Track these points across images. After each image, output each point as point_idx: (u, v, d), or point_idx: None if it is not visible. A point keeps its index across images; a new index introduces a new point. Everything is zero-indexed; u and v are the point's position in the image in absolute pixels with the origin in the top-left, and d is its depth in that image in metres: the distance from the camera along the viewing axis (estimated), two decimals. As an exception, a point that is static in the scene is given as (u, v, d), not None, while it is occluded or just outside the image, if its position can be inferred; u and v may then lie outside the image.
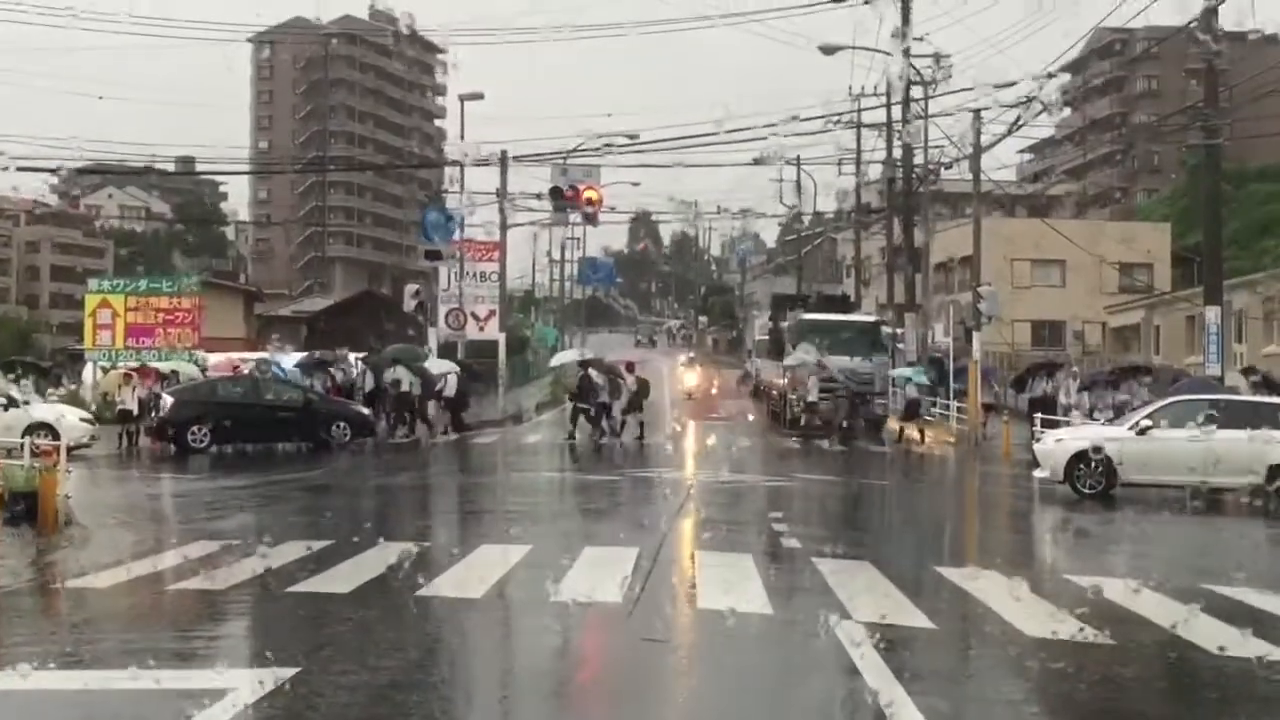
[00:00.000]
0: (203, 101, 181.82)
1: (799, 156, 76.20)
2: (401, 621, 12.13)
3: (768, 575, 14.72)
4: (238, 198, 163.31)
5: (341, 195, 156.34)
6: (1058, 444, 26.25)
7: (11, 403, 34.28)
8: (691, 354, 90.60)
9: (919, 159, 53.62)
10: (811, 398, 42.48)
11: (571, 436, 39.37)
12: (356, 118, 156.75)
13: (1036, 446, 27.55)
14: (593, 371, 41.11)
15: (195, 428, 35.19)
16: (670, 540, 18.63)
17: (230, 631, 12.37)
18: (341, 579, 13.92)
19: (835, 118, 56.52)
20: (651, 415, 45.97)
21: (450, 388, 43.16)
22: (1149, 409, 26.28)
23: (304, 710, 8.69)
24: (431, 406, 42.05)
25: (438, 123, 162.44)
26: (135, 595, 13.79)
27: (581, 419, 40.16)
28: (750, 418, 51.86)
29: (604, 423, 39.93)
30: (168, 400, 36.24)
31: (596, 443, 38.55)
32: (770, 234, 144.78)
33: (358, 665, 10.09)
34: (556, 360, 58.45)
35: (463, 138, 55.30)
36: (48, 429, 32.22)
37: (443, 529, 21.28)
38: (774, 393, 50.79)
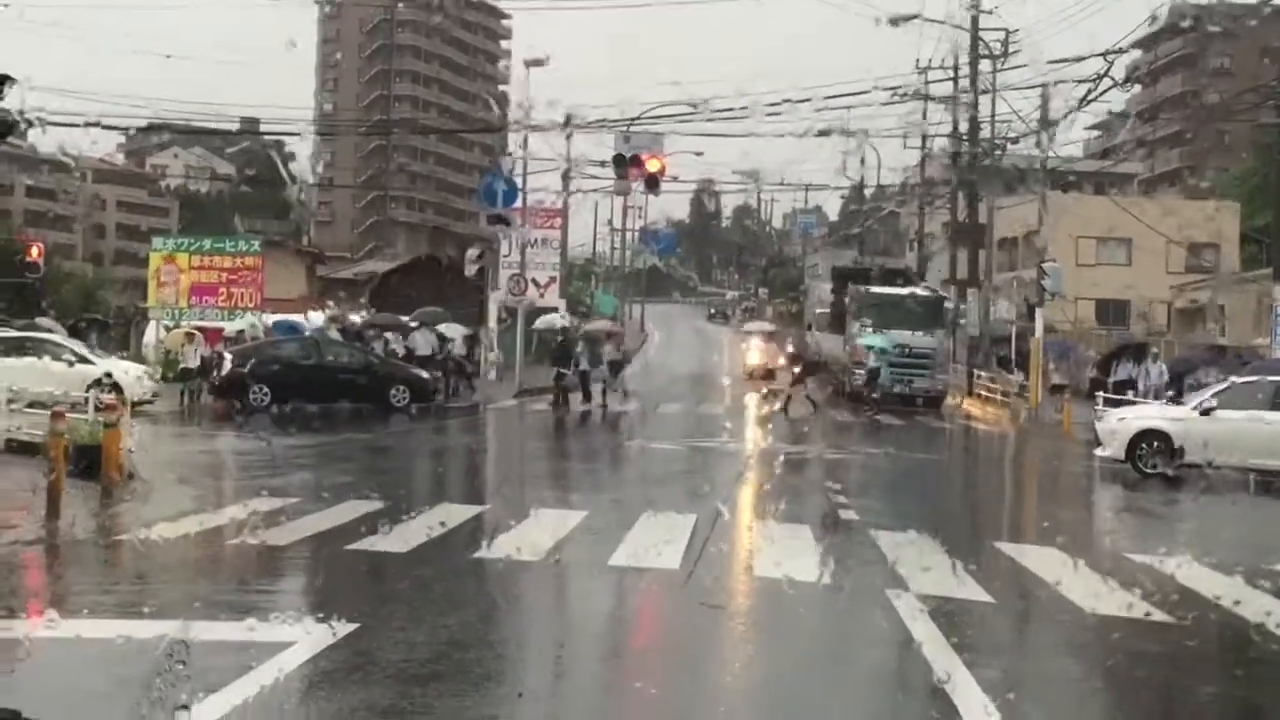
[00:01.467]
0: (268, 63, 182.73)
1: (865, 130, 75.71)
2: (459, 582, 12.20)
3: (825, 546, 14.71)
4: (302, 161, 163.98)
5: (405, 159, 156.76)
6: (1120, 423, 26.07)
7: (79, 359, 34.54)
8: (750, 327, 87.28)
9: (985, 133, 53.20)
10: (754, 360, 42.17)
11: (555, 405, 39.26)
12: (421, 82, 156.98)
13: (1099, 425, 27.35)
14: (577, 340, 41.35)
15: (257, 386, 35.40)
16: (728, 509, 18.62)
17: (290, 586, 12.47)
18: (400, 538, 14.00)
19: (901, 91, 56.07)
20: (710, 388, 46.05)
21: (457, 350, 43.31)
22: (1214, 390, 26.05)
23: (364, 664, 8.75)
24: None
25: (502, 88, 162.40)
26: (197, 549, 13.92)
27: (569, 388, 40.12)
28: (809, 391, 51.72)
29: (575, 388, 39.94)
30: (229, 359, 36.48)
31: (578, 411, 38.56)
32: (833, 206, 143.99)
33: (416, 623, 10.16)
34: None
35: (527, 105, 55.22)
36: (112, 385, 32.49)
37: (498, 493, 21.36)
38: (834, 366, 50.64)
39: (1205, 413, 24.65)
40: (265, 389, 35.34)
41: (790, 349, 42.12)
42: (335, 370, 36.83)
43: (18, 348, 34.59)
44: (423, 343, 41.50)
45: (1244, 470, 24.31)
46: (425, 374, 39.01)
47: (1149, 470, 24.72)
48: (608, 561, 13.03)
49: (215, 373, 36.52)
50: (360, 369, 37.30)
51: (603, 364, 40.65)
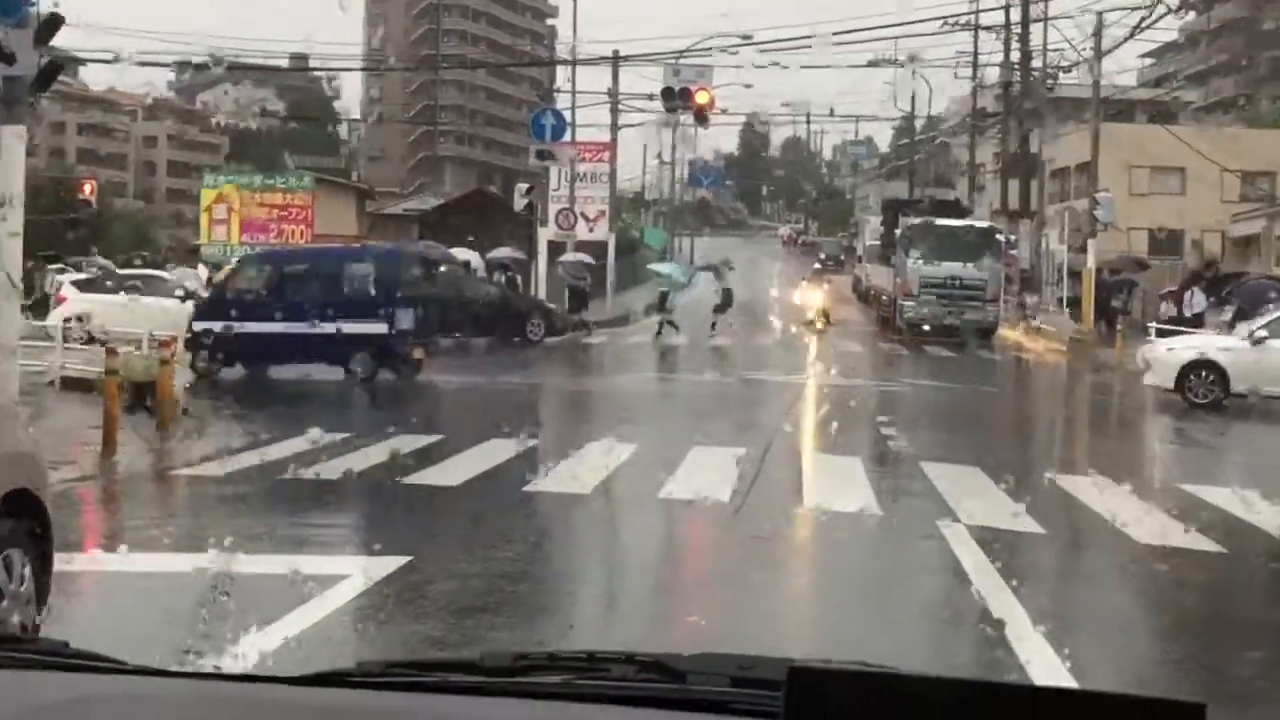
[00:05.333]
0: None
1: (914, 58, 75.16)
2: (510, 515, 12.28)
3: (875, 478, 14.72)
4: (350, 96, 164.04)
5: (453, 94, 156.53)
6: (1169, 352, 25.90)
7: (189, 295, 34.27)
8: (818, 262, 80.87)
9: (1037, 63, 52.72)
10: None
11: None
12: (469, 16, 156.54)
13: (1147, 354, 27.15)
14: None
15: None
16: (778, 442, 18.64)
17: (344, 520, 12.59)
18: (452, 472, 14.10)
19: (953, 20, 55.68)
20: (760, 321, 46.18)
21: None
22: (1266, 319, 25.83)
23: (416, 597, 8.83)
24: None
25: (549, 21, 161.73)
26: (251, 483, 14.04)
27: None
28: (859, 323, 51.62)
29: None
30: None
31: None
32: (883, 137, 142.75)
33: (468, 555, 10.24)
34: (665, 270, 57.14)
35: (575, 37, 55.03)
36: None
37: (551, 426, 21.44)
38: (884, 298, 50.45)
39: (1256, 342, 24.46)
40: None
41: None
42: (475, 303, 36.82)
43: (128, 284, 34.96)
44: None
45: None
46: (555, 306, 39.41)
47: (1198, 400, 24.54)
48: (657, 494, 13.08)
49: None
50: (498, 302, 37.56)
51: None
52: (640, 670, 2.04)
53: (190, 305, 33.05)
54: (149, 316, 28.81)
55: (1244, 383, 24.32)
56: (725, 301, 43.51)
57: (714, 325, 41.79)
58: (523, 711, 1.92)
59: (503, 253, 47.84)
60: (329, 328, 25.61)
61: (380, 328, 25.77)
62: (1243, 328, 26.60)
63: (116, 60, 45.26)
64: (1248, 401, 24.34)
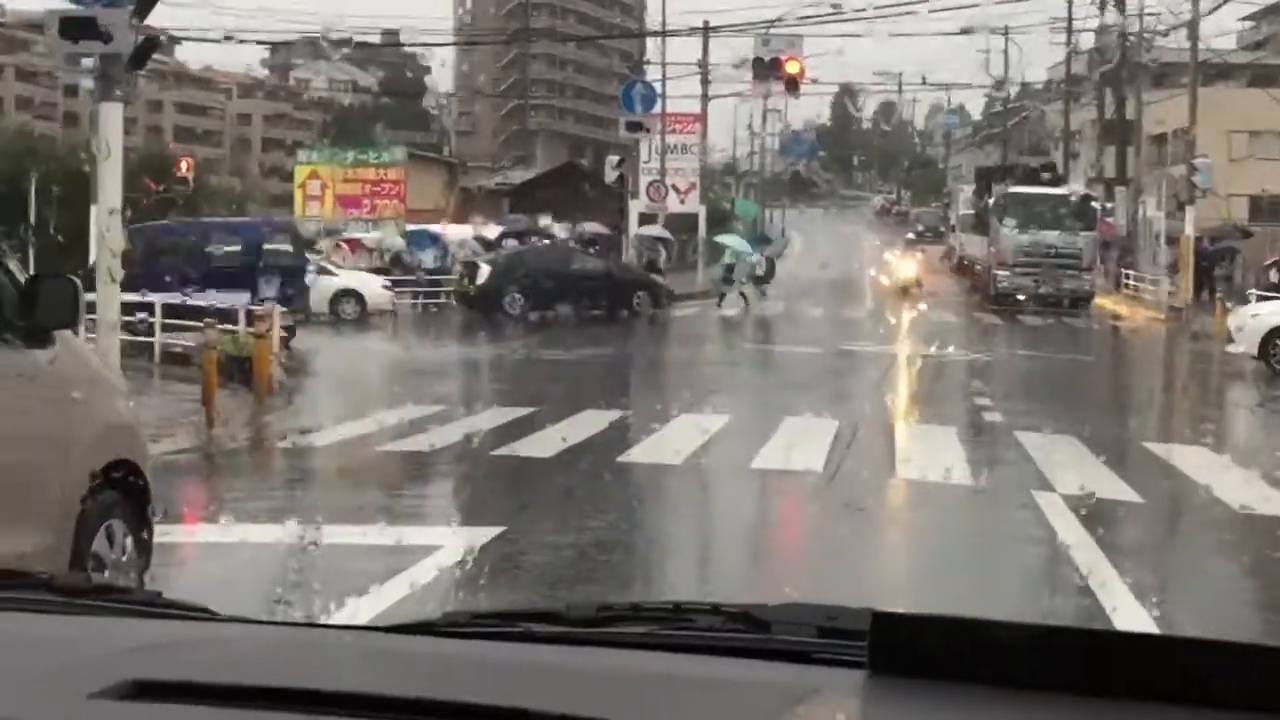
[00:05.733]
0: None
1: (1007, 26, 74.45)
2: (603, 486, 12.29)
3: (970, 447, 14.61)
4: (442, 71, 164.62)
5: (543, 68, 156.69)
6: (1254, 319, 25.48)
7: (321, 270, 34.56)
8: (913, 233, 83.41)
9: (1133, 26, 51.94)
10: None
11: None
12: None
13: (1232, 322, 26.75)
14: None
15: (513, 295, 36.01)
16: (871, 412, 18.54)
17: (437, 491, 12.68)
18: (545, 444, 14.14)
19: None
20: (852, 292, 45.98)
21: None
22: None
23: (509, 568, 8.88)
24: None
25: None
26: (346, 455, 14.18)
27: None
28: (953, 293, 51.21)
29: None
30: (485, 269, 37.02)
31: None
32: (976, 105, 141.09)
33: (560, 526, 10.27)
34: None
35: (664, 8, 54.94)
36: (355, 296, 33.50)
37: (643, 398, 21.44)
38: (978, 268, 50.00)
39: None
40: (520, 297, 35.92)
41: None
42: (583, 278, 37.29)
43: None
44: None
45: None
46: (662, 280, 39.64)
47: (1280, 367, 24.09)
48: (750, 464, 13.06)
49: (469, 281, 37.10)
50: (604, 276, 37.89)
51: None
52: (726, 621, 2.05)
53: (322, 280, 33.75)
54: None
55: None
56: (768, 272, 44.19)
57: (764, 293, 42.75)
58: (607, 661, 1.93)
59: (588, 228, 47.89)
60: (197, 299, 25.13)
61: (243, 298, 25.65)
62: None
63: (217, 40, 45.59)
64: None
